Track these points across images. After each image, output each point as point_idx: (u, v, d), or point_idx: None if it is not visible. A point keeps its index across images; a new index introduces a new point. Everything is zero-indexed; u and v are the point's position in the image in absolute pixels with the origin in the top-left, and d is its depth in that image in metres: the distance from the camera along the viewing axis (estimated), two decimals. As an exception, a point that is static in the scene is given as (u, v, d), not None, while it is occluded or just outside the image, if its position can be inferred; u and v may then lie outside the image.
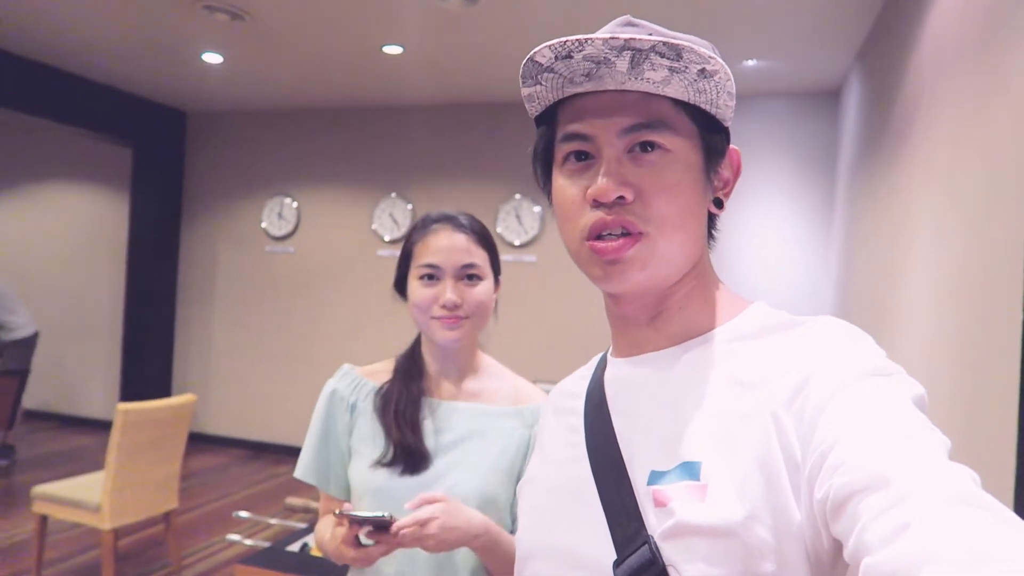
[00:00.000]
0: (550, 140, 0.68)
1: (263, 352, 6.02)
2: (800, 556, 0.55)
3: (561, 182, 0.66)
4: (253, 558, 2.07)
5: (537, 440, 0.82)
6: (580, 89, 0.64)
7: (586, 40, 0.58)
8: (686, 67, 0.59)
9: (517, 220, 5.32)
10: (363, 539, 1.04)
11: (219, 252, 6.21)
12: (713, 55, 0.60)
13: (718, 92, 0.63)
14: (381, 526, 0.99)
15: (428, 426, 1.23)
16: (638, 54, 0.58)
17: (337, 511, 1.02)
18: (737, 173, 0.71)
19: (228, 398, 6.14)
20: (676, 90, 0.62)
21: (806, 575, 0.56)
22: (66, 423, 6.50)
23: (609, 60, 0.59)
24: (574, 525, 0.65)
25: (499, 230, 5.31)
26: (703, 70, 0.60)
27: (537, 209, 5.26)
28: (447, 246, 1.20)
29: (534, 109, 0.68)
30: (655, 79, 0.61)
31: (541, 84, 0.63)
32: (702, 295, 0.69)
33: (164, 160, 6.14)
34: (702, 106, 0.64)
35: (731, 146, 0.70)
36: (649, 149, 0.63)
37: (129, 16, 4.04)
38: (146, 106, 5.90)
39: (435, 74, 4.81)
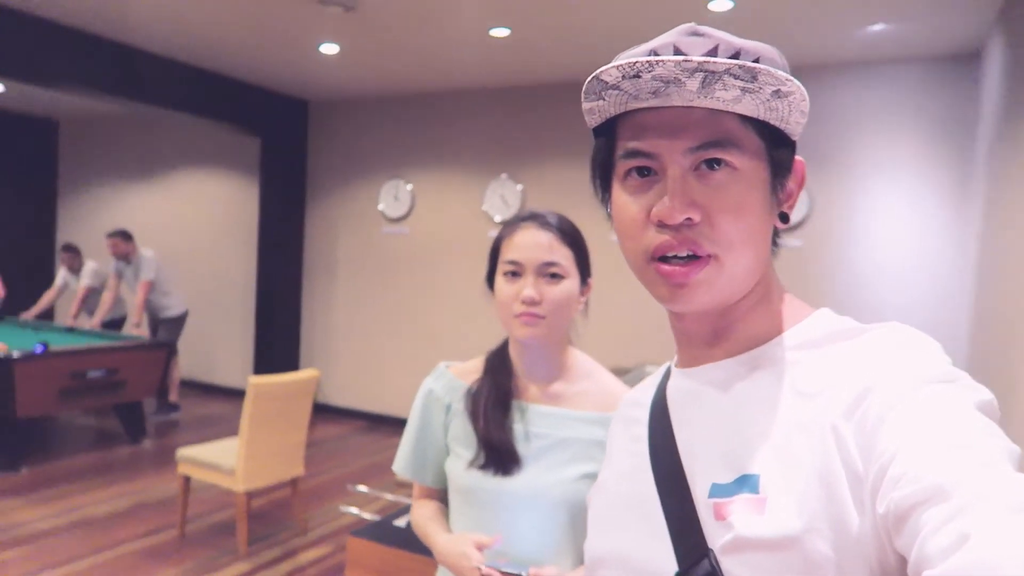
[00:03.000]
0: (609, 153, 0.67)
1: (380, 329, 6.32)
2: (862, 571, 0.54)
3: (623, 199, 0.65)
4: (364, 531, 2.22)
5: (607, 447, 0.83)
6: (645, 104, 0.62)
7: (657, 62, 0.56)
8: (760, 88, 0.58)
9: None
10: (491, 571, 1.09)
11: (339, 234, 6.55)
12: (790, 77, 0.58)
13: (790, 110, 0.61)
14: None
15: (519, 429, 1.24)
16: (711, 75, 0.56)
17: (481, 568, 1.09)
18: (801, 185, 0.69)
19: (349, 372, 6.50)
20: (747, 108, 0.60)
21: None
22: (209, 391, 7.12)
23: (679, 80, 0.57)
24: (638, 535, 0.67)
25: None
26: (778, 91, 0.58)
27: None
28: (530, 243, 1.20)
29: (593, 121, 0.67)
30: (726, 98, 0.59)
31: (604, 100, 0.62)
32: (766, 307, 0.68)
33: (289, 148, 6.52)
34: (772, 123, 0.62)
35: (796, 157, 0.68)
36: (716, 167, 0.61)
37: (253, 14, 4.31)
38: (272, 97, 6.27)
39: (542, 54, 4.81)
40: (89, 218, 8.09)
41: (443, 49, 4.80)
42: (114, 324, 6.20)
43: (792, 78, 0.58)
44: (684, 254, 0.61)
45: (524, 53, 4.80)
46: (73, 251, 6.45)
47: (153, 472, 4.70)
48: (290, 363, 6.55)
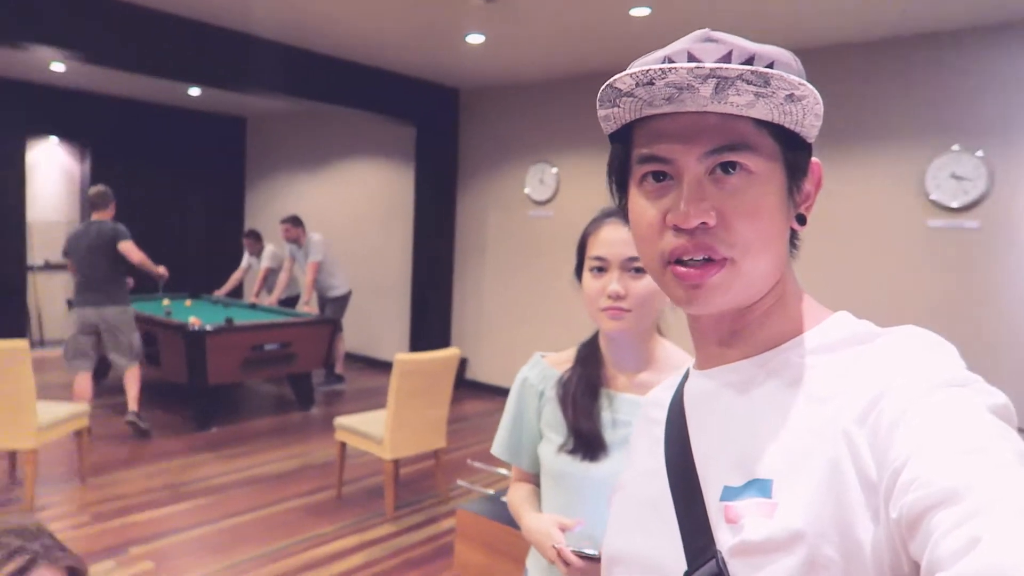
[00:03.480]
0: (625, 158, 0.68)
1: (525, 310, 6.48)
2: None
3: (640, 203, 0.66)
4: (472, 504, 2.35)
5: (631, 447, 0.85)
6: (659, 111, 0.63)
7: (670, 69, 0.57)
8: (773, 92, 0.57)
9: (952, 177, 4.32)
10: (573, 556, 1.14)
11: (488, 217, 6.77)
12: (803, 82, 0.57)
13: (804, 114, 0.60)
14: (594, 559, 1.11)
15: (606, 417, 1.28)
16: (723, 81, 0.57)
17: (559, 547, 1.15)
18: (818, 186, 0.67)
19: (496, 350, 6.74)
20: (761, 112, 0.60)
21: None
22: (371, 364, 7.67)
23: (692, 87, 0.58)
24: (652, 536, 0.68)
25: (928, 190, 4.41)
26: (791, 95, 0.58)
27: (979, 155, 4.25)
28: (615, 239, 1.22)
29: (609, 128, 0.68)
30: (739, 103, 0.59)
31: (619, 107, 0.63)
32: (783, 309, 0.67)
33: (441, 135, 6.82)
34: (787, 126, 0.62)
35: (812, 159, 0.66)
36: (731, 170, 0.61)
37: (404, 10, 4.55)
38: (425, 87, 6.57)
39: (682, 33, 4.65)
40: (270, 206, 8.94)
41: (584, 32, 4.80)
42: (289, 302, 6.85)
43: (805, 83, 0.58)
44: (700, 257, 0.61)
45: (664, 32, 4.67)
46: (255, 236, 7.19)
47: (318, 437, 5.17)
48: (442, 340, 6.90)
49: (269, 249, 6.93)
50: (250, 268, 7.23)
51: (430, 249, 6.86)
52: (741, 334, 0.67)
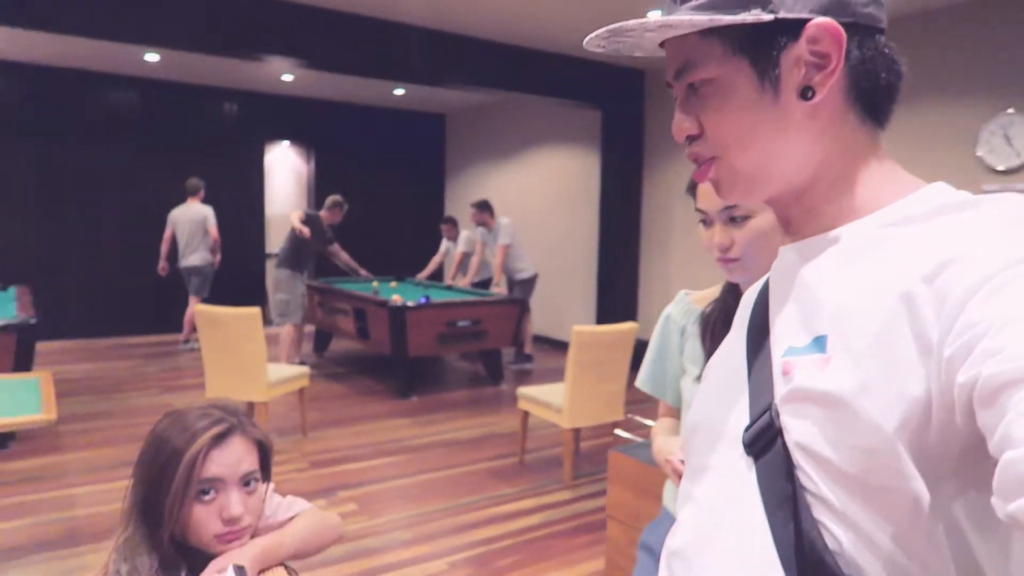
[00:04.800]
0: None
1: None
2: (912, 435, 0.53)
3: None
4: (624, 448, 2.39)
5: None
6: (644, 55, 0.71)
7: (628, 26, 0.63)
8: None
9: (1005, 140, 4.38)
10: (680, 466, 1.21)
11: (675, 198, 6.65)
12: None
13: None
14: None
15: None
16: (668, 10, 0.66)
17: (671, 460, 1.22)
18: (839, 46, 0.61)
19: (683, 334, 6.61)
20: (699, 22, 0.62)
21: (918, 456, 0.53)
22: (557, 346, 7.86)
23: (647, 29, 0.64)
24: (725, 402, 0.70)
25: (979, 153, 4.45)
26: None
27: (1035, 124, 4.26)
28: (710, 190, 1.22)
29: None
30: (677, 23, 0.62)
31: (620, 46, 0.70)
32: (845, 191, 0.65)
33: (627, 118, 6.80)
34: (726, 22, 0.61)
35: (813, 22, 0.61)
36: (695, 86, 0.67)
37: (585, -8, 4.62)
38: (609, 71, 6.59)
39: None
40: (467, 195, 9.47)
41: None
42: (481, 285, 7.23)
43: None
44: (699, 162, 0.69)
45: None
46: (451, 223, 7.67)
47: (505, 410, 5.43)
48: (629, 319, 6.88)
49: (464, 235, 7.36)
50: (448, 253, 7.74)
51: (616, 232, 6.89)
52: (802, 219, 0.68)
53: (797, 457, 0.59)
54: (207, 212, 6.97)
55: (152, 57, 6.82)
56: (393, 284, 7.38)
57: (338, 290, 6.55)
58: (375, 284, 6.75)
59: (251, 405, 4.41)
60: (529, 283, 6.95)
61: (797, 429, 0.59)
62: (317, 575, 2.89)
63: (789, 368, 0.61)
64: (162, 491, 1.04)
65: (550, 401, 4.00)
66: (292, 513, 1.27)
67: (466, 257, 7.33)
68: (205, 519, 1.06)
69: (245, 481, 1.11)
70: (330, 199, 6.41)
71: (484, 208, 6.83)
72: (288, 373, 4.49)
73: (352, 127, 9.32)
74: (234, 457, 1.09)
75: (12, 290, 5.50)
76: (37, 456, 4.12)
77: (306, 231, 6.04)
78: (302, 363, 6.03)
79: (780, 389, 0.62)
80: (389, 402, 5.56)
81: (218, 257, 7.11)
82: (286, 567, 1.15)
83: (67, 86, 7.47)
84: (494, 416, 5.28)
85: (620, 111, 6.77)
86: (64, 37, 5.99)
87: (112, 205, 7.80)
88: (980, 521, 0.54)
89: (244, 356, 4.20)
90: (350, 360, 7.10)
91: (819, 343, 0.59)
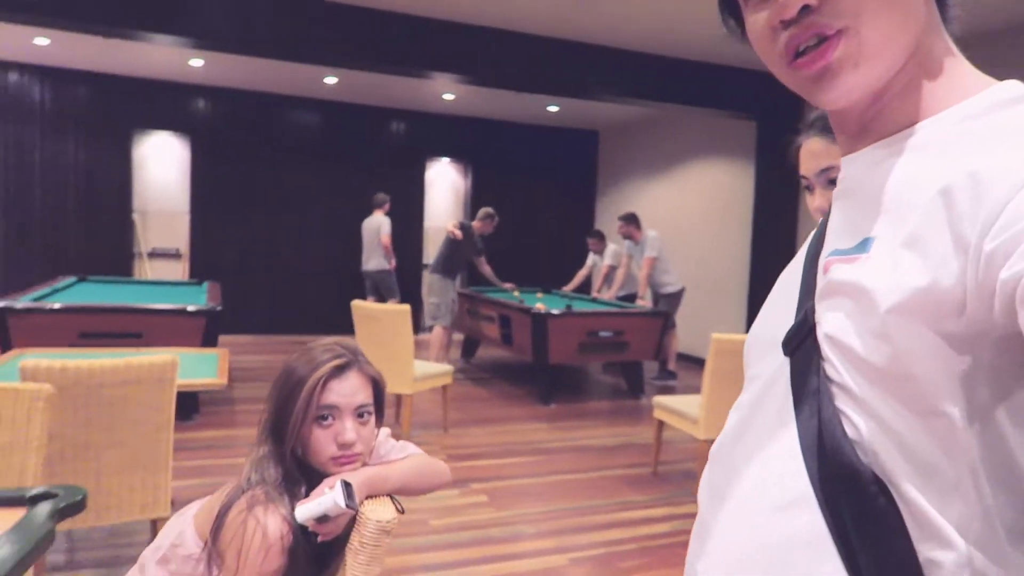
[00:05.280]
0: None
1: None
2: (939, 325, 0.52)
3: (751, 19, 0.63)
4: None
5: None
6: None
7: None
8: None
9: None
10: None
11: (836, 213, 6.27)
12: None
13: None
14: None
15: None
16: None
17: None
18: None
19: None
20: None
21: (946, 348, 0.52)
22: (701, 364, 7.60)
23: None
24: (777, 312, 0.70)
25: None
26: None
27: None
28: (808, 152, 1.26)
29: None
30: None
31: None
32: (923, 84, 0.61)
33: (785, 128, 6.51)
34: None
35: None
36: None
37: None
38: (765, 80, 6.31)
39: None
40: (618, 209, 9.46)
41: None
42: (627, 299, 7.19)
43: None
44: (813, 42, 0.58)
45: None
46: (598, 236, 7.71)
47: (643, 422, 5.36)
48: (779, 344, 6.56)
49: (611, 248, 7.37)
50: (594, 266, 7.78)
51: (769, 247, 6.60)
52: (878, 118, 0.64)
53: (825, 349, 0.59)
54: (383, 222, 7.69)
55: (331, 80, 7.50)
56: (539, 295, 7.53)
57: (486, 297, 6.80)
58: (517, 293, 6.93)
59: (398, 397, 4.70)
60: (675, 297, 6.83)
61: (827, 321, 0.59)
62: (443, 555, 3.02)
63: (829, 266, 0.62)
64: (287, 413, 1.18)
65: (686, 411, 3.92)
66: (404, 455, 1.38)
67: (612, 270, 7.33)
68: (323, 442, 1.20)
69: (359, 412, 1.23)
70: (483, 210, 6.69)
71: (631, 220, 6.82)
72: (433, 370, 4.73)
73: (507, 144, 9.66)
74: (350, 388, 1.21)
75: (205, 285, 6.24)
76: (215, 428, 4.63)
77: (458, 233, 6.36)
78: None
79: (819, 287, 0.63)
80: (529, 407, 5.68)
81: (393, 263, 7.69)
82: (393, 499, 1.25)
83: (258, 108, 8.39)
84: (631, 427, 5.23)
85: (776, 121, 6.50)
86: (255, 63, 6.78)
87: (293, 215, 8.62)
88: (1016, 416, 0.52)
89: (394, 350, 4.48)
90: (495, 367, 7.32)
91: (863, 245, 0.59)
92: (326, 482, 1.16)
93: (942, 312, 0.52)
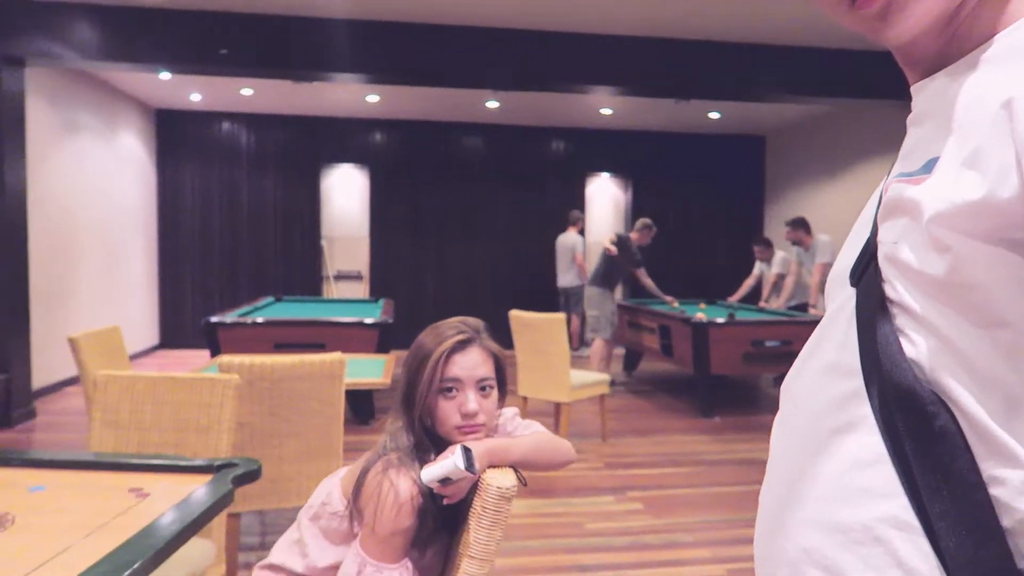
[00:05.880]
0: None
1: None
2: (1004, 239, 0.50)
3: None
4: None
5: None
6: None
7: None
8: None
9: None
10: None
11: None
12: None
13: None
14: None
15: None
16: None
17: None
18: None
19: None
20: None
21: (1012, 261, 0.51)
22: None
23: None
24: (850, 247, 0.69)
25: None
26: None
27: None
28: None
29: None
30: None
31: None
32: (995, 4, 0.58)
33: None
34: None
35: None
36: None
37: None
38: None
39: None
40: (786, 216, 9.00)
41: None
42: (798, 309, 6.80)
43: None
44: None
45: None
46: (765, 243, 7.37)
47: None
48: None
49: (780, 255, 7.02)
50: (761, 275, 7.44)
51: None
52: (948, 48, 0.61)
53: (885, 270, 0.59)
54: (576, 240, 8.09)
55: (492, 104, 7.86)
56: (701, 306, 7.33)
57: (645, 308, 6.73)
58: (676, 304, 6.79)
59: (557, 405, 4.79)
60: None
61: (887, 241, 0.59)
62: (597, 557, 3.04)
63: (887, 189, 0.61)
64: (415, 384, 1.30)
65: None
66: (529, 431, 1.44)
67: (781, 279, 6.97)
68: (448, 412, 1.30)
69: (481, 385, 1.32)
70: (640, 221, 6.67)
71: (799, 225, 6.46)
72: (590, 379, 4.77)
73: (668, 155, 9.54)
74: (472, 362, 1.31)
75: (381, 302, 6.75)
76: (389, 432, 4.98)
77: (613, 249, 6.37)
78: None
79: (880, 211, 0.62)
80: (690, 419, 5.54)
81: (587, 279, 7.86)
82: (517, 473, 1.32)
83: (426, 135, 8.98)
84: (802, 442, 4.92)
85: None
86: (424, 94, 7.29)
87: (460, 235, 9.09)
88: None
89: (549, 358, 4.58)
90: (657, 380, 7.21)
91: (927, 166, 0.57)
92: (450, 448, 1.26)
93: (1004, 223, 0.50)
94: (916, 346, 0.56)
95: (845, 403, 0.60)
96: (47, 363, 5.91)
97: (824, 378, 0.64)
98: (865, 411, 0.59)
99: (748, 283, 7.47)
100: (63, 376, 6.23)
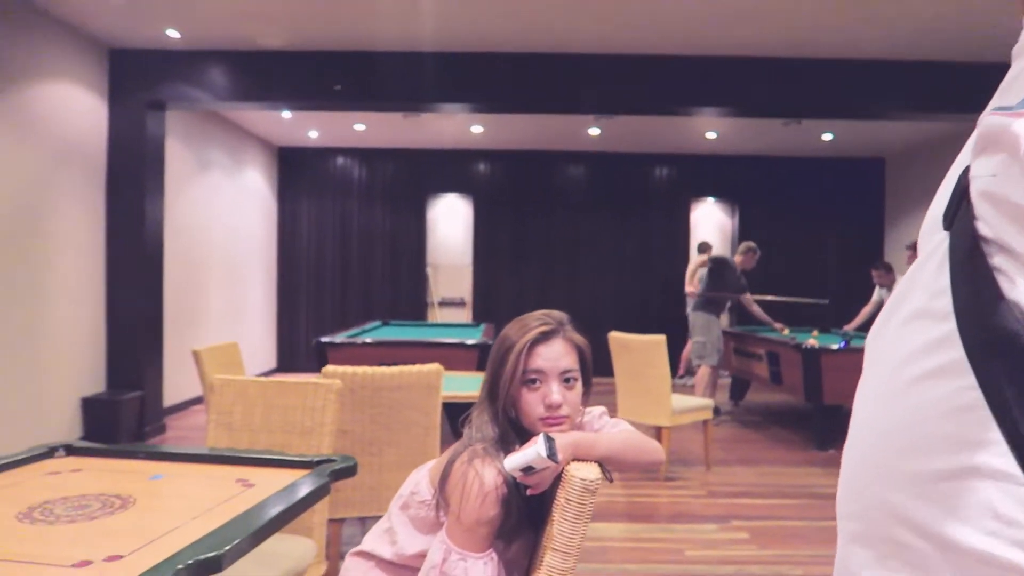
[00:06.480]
0: None
1: None
2: None
3: None
4: None
5: None
6: None
7: None
8: None
9: None
10: None
11: None
12: None
13: None
14: None
15: None
16: None
17: None
18: None
19: None
20: None
21: None
22: None
23: None
24: (944, 190, 0.65)
25: None
26: None
27: None
28: None
29: None
30: None
31: None
32: None
33: None
34: None
35: None
36: None
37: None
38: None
39: None
40: (909, 238, 8.47)
41: None
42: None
43: None
44: None
45: None
46: (885, 267, 6.94)
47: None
48: None
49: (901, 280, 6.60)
50: (880, 302, 7.00)
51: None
52: None
53: (978, 207, 0.55)
54: (702, 270, 7.88)
55: (594, 131, 7.91)
56: (814, 334, 6.98)
57: (753, 335, 6.48)
58: (786, 332, 6.50)
59: (658, 430, 4.67)
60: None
61: (980, 175, 0.55)
62: (697, 584, 2.92)
63: (984, 121, 0.57)
64: (500, 375, 1.31)
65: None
66: (617, 429, 1.42)
67: (902, 305, 6.54)
68: (532, 403, 1.30)
69: (564, 377, 1.32)
70: (744, 244, 6.48)
71: (915, 248, 6.06)
72: (692, 403, 4.63)
73: (776, 179, 9.23)
74: (555, 353, 1.31)
75: (482, 326, 6.86)
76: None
77: (689, 289, 6.34)
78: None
79: (972, 145, 0.58)
80: (803, 452, 5.25)
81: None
82: (603, 469, 1.30)
83: (529, 164, 9.11)
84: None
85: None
86: (526, 123, 7.43)
87: (562, 262, 9.13)
88: None
89: (649, 381, 4.49)
90: (766, 410, 6.89)
91: None
92: (533, 439, 1.26)
93: None
94: (1016, 286, 0.52)
95: (933, 349, 0.56)
96: (177, 383, 6.37)
97: (910, 327, 0.60)
98: (956, 354, 0.55)
99: (867, 310, 7.05)
100: (191, 395, 6.69)
